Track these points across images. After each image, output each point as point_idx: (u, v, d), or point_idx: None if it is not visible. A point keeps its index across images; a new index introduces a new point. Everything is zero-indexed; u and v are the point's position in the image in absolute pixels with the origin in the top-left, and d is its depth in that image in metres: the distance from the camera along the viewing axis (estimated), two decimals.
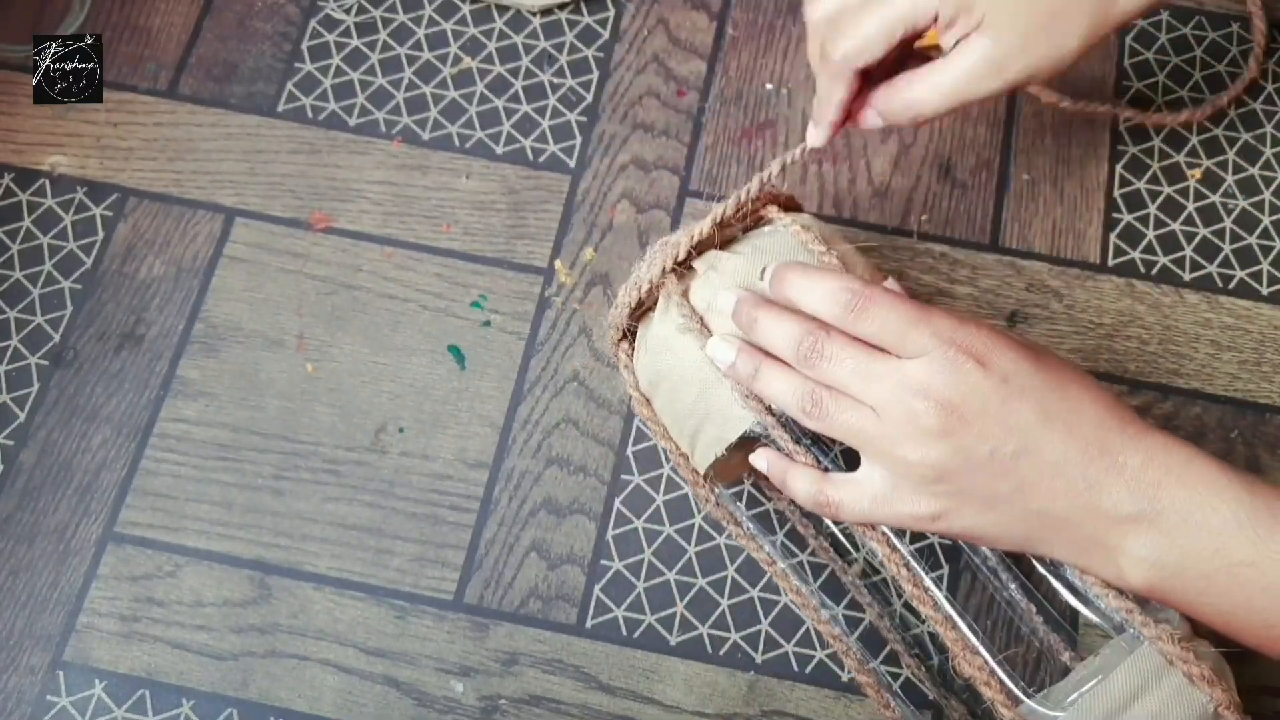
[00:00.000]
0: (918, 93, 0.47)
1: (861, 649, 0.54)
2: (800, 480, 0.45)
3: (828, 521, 0.57)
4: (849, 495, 0.44)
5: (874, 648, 0.56)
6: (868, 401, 0.42)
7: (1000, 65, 0.46)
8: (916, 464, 0.42)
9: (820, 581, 0.57)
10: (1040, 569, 0.50)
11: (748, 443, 0.48)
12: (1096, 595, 0.44)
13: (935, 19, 0.46)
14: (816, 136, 0.51)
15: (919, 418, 0.41)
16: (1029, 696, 0.45)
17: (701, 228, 0.48)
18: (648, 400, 0.51)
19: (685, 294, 0.48)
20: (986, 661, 0.45)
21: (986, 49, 0.46)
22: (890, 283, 0.47)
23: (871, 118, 0.50)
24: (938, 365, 0.41)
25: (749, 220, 0.50)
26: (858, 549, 0.57)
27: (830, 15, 0.48)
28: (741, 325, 0.45)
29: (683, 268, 0.49)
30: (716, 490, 0.52)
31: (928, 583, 0.46)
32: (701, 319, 0.47)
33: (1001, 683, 0.44)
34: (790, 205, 0.52)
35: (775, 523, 0.58)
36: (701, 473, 0.50)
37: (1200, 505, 0.40)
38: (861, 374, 0.42)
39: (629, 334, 0.52)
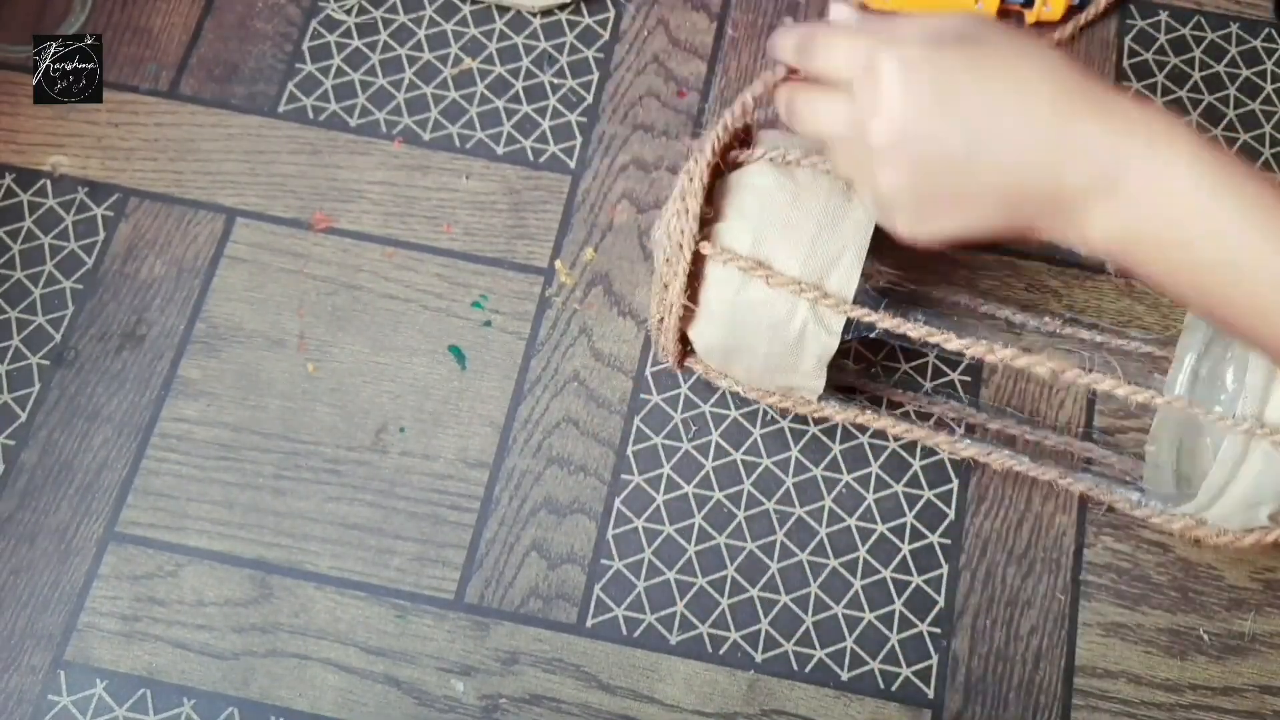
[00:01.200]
0: None
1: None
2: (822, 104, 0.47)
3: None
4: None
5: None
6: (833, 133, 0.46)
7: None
8: (888, 188, 0.44)
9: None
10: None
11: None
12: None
13: None
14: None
15: (866, 142, 0.43)
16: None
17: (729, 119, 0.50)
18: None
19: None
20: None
21: None
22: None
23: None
24: (869, 92, 0.43)
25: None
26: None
27: None
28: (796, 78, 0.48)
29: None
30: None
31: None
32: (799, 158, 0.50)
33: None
34: None
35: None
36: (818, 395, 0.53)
37: (1161, 175, 0.40)
38: (821, 112, 0.46)
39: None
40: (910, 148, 0.42)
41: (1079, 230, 0.42)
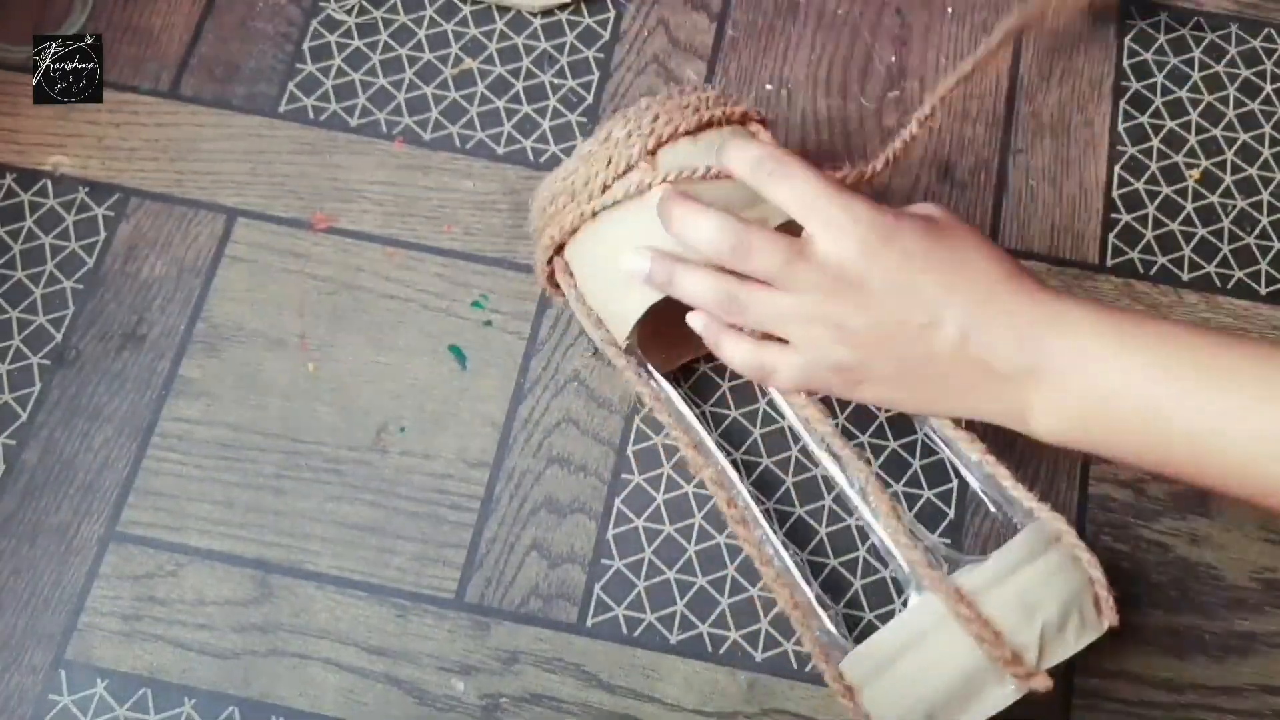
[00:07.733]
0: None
1: (797, 571, 0.55)
2: (736, 346, 0.49)
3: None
4: (784, 362, 0.48)
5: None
6: (788, 333, 0.47)
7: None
8: (837, 338, 0.46)
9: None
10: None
11: (672, 318, 0.52)
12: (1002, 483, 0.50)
13: None
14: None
15: (829, 319, 0.46)
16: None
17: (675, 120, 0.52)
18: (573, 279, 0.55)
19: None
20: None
21: None
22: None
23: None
24: (816, 299, 0.46)
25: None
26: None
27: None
28: (659, 284, 0.50)
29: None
30: (639, 363, 0.56)
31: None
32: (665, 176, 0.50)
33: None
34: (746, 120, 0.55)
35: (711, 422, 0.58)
36: (623, 341, 0.54)
37: (1083, 351, 0.43)
38: (776, 314, 0.47)
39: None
40: (879, 308, 0.45)
41: (1021, 418, 0.45)
